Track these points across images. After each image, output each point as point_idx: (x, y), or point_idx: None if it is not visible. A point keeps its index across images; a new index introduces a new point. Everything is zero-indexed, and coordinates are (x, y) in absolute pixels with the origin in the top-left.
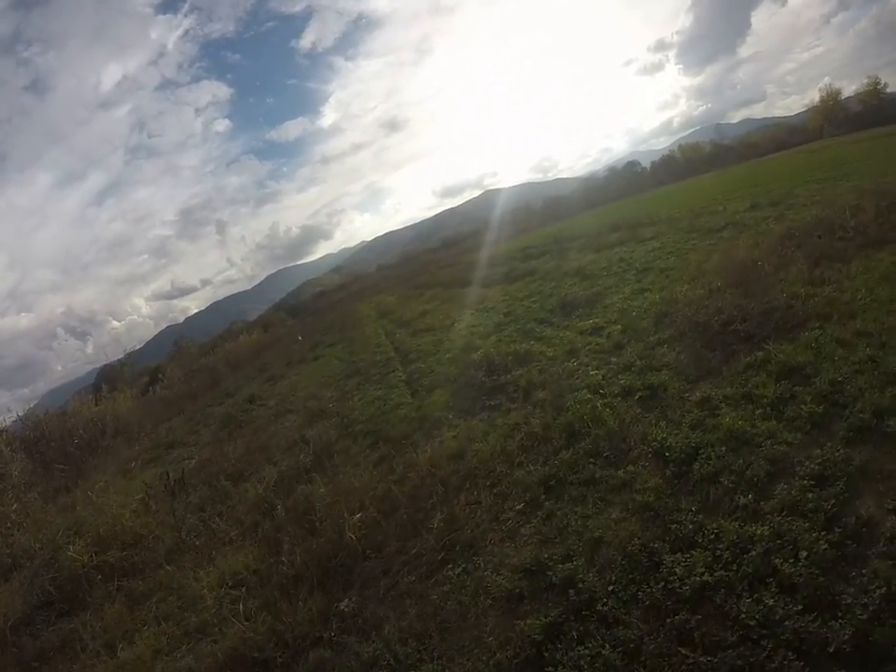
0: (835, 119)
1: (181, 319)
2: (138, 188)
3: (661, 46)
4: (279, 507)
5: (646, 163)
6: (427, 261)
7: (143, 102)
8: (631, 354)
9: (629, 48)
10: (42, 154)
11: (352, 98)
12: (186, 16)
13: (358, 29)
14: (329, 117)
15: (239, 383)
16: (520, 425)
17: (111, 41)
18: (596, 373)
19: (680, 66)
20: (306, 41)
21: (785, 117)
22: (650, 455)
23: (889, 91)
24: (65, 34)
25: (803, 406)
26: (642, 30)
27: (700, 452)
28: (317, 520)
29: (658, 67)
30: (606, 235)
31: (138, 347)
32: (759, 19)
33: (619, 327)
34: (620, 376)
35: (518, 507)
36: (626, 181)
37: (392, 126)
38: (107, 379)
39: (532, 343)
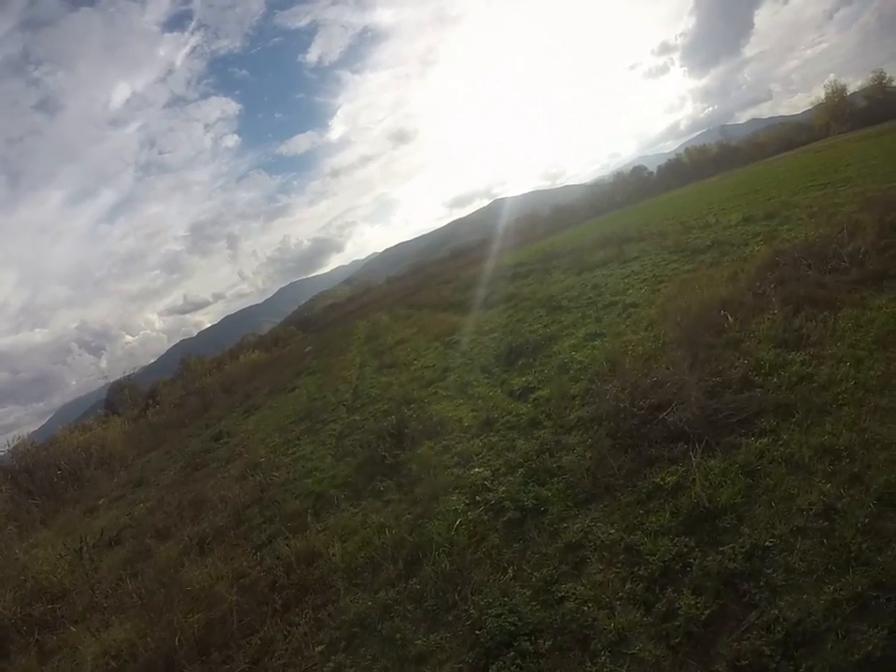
0: (841, 115)
1: (194, 333)
2: (149, 204)
3: (665, 48)
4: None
5: (655, 167)
6: (430, 275)
7: (152, 119)
8: (538, 439)
9: (633, 51)
10: (55, 172)
11: (359, 110)
12: (193, 33)
13: (364, 42)
14: (337, 130)
15: (221, 412)
16: (385, 527)
17: (120, 59)
18: (483, 470)
19: (685, 68)
20: (313, 55)
21: (792, 115)
22: (466, 625)
23: (895, 84)
24: (74, 53)
25: (687, 601)
26: (646, 33)
27: (514, 642)
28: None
29: (663, 70)
30: (593, 252)
31: (152, 362)
32: (761, 18)
33: (548, 391)
34: (508, 477)
35: (319, 648)
36: (633, 186)
37: (400, 137)
38: (112, 399)
39: (458, 403)
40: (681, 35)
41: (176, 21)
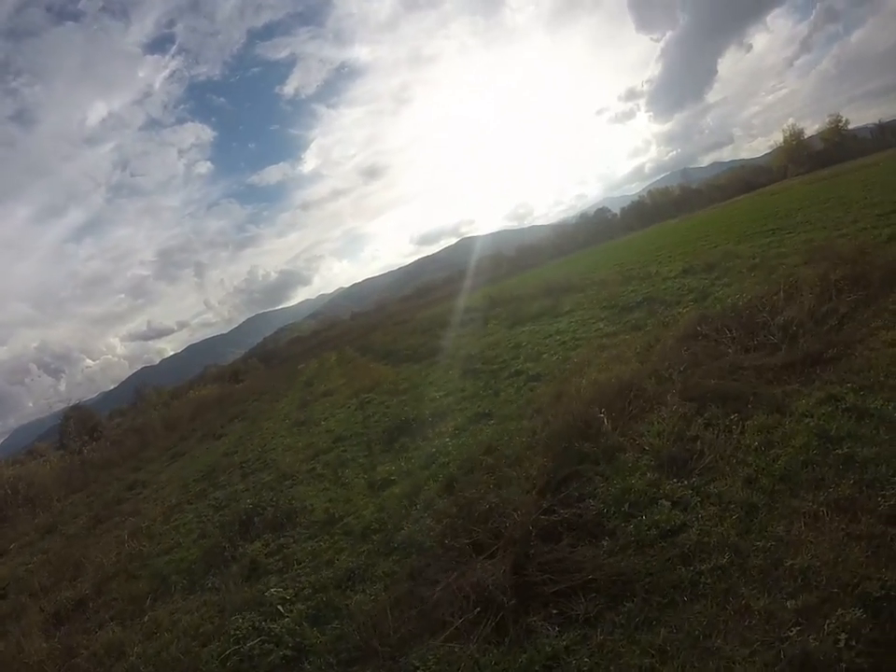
0: (799, 157)
1: (157, 361)
2: (118, 226)
3: (632, 94)
4: None
5: (619, 209)
6: (390, 313)
7: (127, 140)
8: (357, 556)
9: (601, 97)
10: (23, 186)
11: (333, 145)
12: (174, 57)
13: (341, 77)
14: (309, 163)
15: (153, 454)
16: (182, 633)
17: (99, 78)
18: (283, 591)
19: (651, 113)
20: (290, 87)
21: (752, 158)
22: None
23: (850, 127)
24: (54, 67)
25: None
26: (614, 79)
27: None
28: None
29: (629, 115)
30: (533, 302)
31: (112, 388)
32: (725, 65)
33: (397, 490)
34: (302, 605)
35: None
36: (595, 228)
37: (371, 173)
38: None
39: (323, 488)
40: (648, 81)
41: (158, 44)
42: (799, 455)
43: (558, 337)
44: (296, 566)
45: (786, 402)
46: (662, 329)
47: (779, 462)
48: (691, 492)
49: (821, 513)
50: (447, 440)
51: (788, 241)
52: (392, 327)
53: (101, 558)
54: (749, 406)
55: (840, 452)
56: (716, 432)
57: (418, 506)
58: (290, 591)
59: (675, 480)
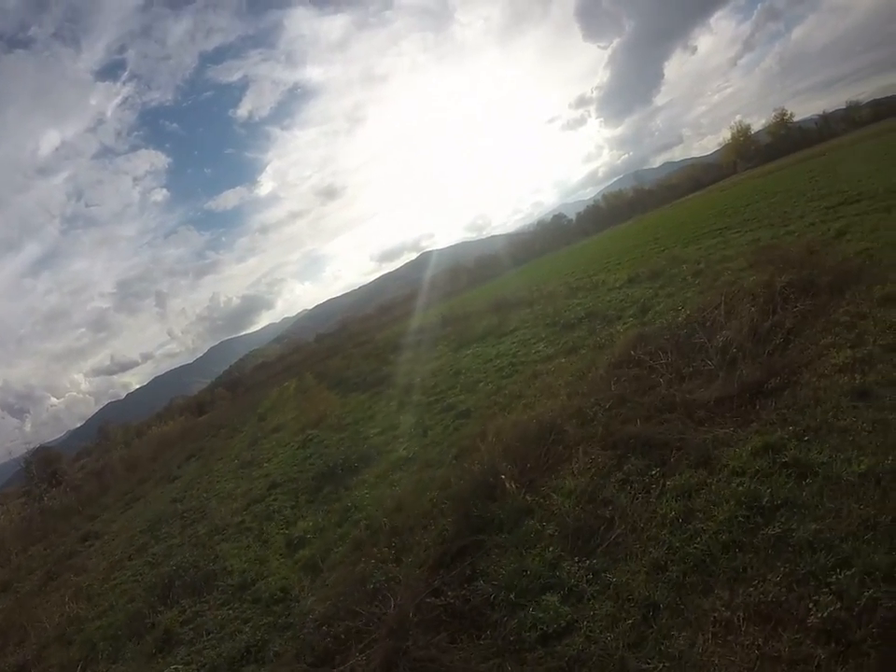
0: (747, 152)
1: (122, 395)
2: (75, 259)
3: (582, 101)
4: None
5: (575, 214)
6: (352, 334)
7: (81, 170)
8: (244, 641)
9: (553, 105)
10: None
11: (288, 167)
12: (125, 84)
13: (294, 98)
14: (266, 186)
15: (111, 499)
16: None
17: (51, 106)
18: None
19: (601, 119)
20: (243, 110)
21: (702, 156)
22: None
23: (796, 119)
24: (5, 95)
25: None
26: (564, 88)
27: None
28: None
29: (581, 122)
30: (481, 319)
31: (79, 426)
32: (671, 68)
33: (308, 553)
34: None
35: None
36: (552, 235)
37: (328, 194)
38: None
39: (246, 545)
40: (597, 88)
41: (110, 70)
42: (721, 534)
43: (498, 361)
44: (205, 636)
45: (716, 453)
46: (597, 353)
47: (697, 543)
48: (590, 577)
49: (735, 622)
50: (365, 491)
51: (734, 241)
52: (352, 349)
53: (44, 621)
54: (674, 458)
55: (771, 531)
56: (632, 494)
57: (323, 572)
58: (192, 667)
59: (576, 559)
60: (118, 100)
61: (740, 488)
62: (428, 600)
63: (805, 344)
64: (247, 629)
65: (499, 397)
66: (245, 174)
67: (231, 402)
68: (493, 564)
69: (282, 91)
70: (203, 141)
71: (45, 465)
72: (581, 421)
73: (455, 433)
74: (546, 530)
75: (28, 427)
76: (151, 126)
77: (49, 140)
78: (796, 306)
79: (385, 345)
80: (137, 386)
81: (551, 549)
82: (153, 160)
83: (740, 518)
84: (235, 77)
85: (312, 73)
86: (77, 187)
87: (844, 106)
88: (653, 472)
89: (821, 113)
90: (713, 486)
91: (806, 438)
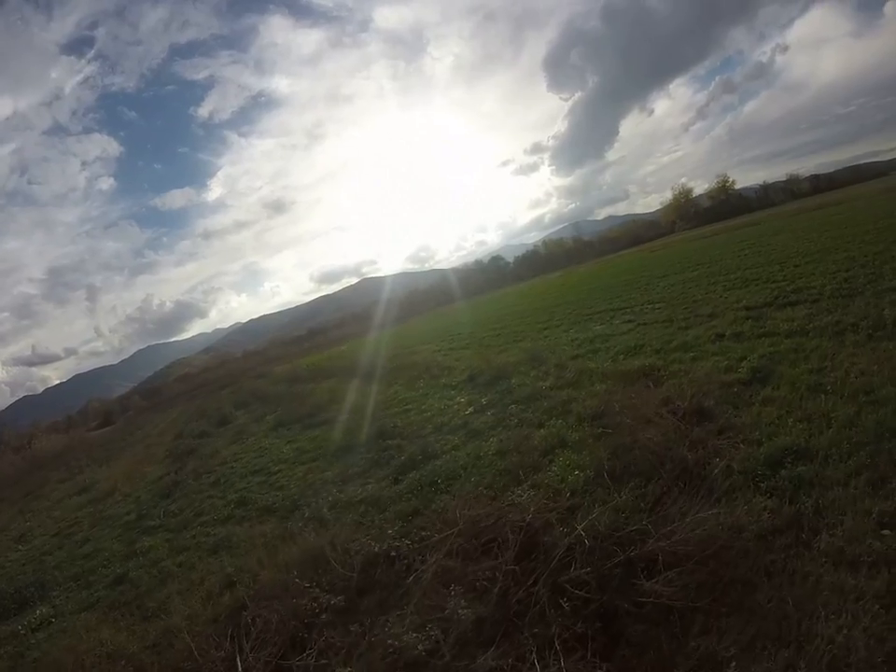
0: (686, 214)
1: (39, 390)
2: (7, 237)
3: (537, 149)
4: None
5: (516, 256)
6: (265, 359)
7: (29, 144)
8: None
9: (508, 149)
10: None
11: (240, 175)
12: (90, 62)
13: (257, 106)
14: (215, 191)
15: None
16: None
17: (10, 72)
18: None
19: (553, 167)
20: (204, 111)
21: (644, 213)
22: None
23: (737, 187)
24: None
25: None
26: (521, 133)
27: None
28: None
29: (533, 168)
30: (341, 384)
31: None
32: (627, 126)
33: None
34: None
35: None
36: (486, 277)
37: (276, 207)
38: None
39: None
40: (553, 137)
41: (76, 45)
42: None
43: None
44: None
45: None
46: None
47: None
48: None
49: None
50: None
51: (615, 344)
52: (254, 378)
53: None
54: None
55: None
56: None
57: None
58: None
59: None
60: (79, 77)
61: None
62: None
63: None
64: None
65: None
66: (196, 175)
67: (134, 416)
68: None
69: (246, 96)
70: (158, 135)
71: None
72: None
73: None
74: None
75: None
76: (109, 111)
77: (3, 107)
78: None
79: (267, 385)
80: (57, 382)
81: None
82: (105, 146)
83: None
84: (201, 74)
85: (279, 83)
86: (23, 161)
87: (784, 178)
88: None
89: (762, 183)
90: None
91: None
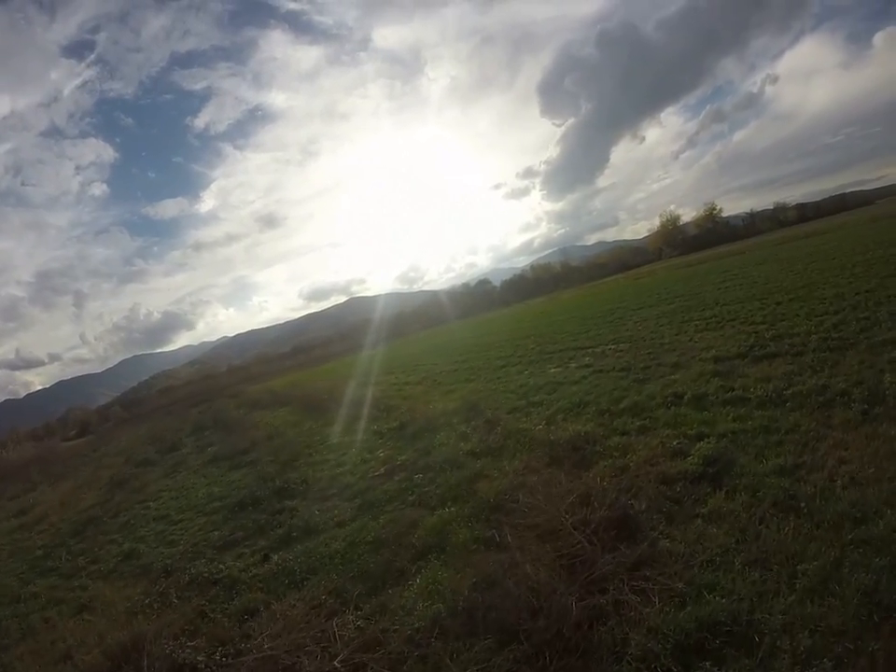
0: (673, 241)
1: (22, 395)
2: None
3: (529, 173)
4: None
5: (501, 281)
6: (245, 377)
7: (25, 144)
8: None
9: (501, 172)
10: None
11: (234, 187)
12: (89, 66)
13: (253, 119)
14: (207, 202)
15: None
16: None
17: (11, 70)
18: None
19: (545, 192)
20: (201, 121)
21: (632, 240)
22: None
23: (724, 215)
24: None
25: None
26: (514, 157)
27: None
28: None
29: (525, 192)
30: (280, 421)
31: None
32: (618, 153)
33: None
34: None
35: None
36: (473, 300)
37: (268, 222)
38: None
39: None
40: (545, 162)
41: (77, 49)
42: None
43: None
44: None
45: None
46: None
47: None
48: None
49: None
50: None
51: (561, 396)
52: (223, 399)
53: None
54: None
55: None
56: None
57: None
58: None
59: None
60: (78, 81)
61: None
62: None
63: None
64: None
65: None
66: (190, 186)
67: (112, 428)
68: None
69: (242, 109)
70: (154, 143)
71: None
72: None
73: None
74: None
75: None
76: (106, 116)
77: (1, 106)
78: None
79: (235, 407)
80: (39, 387)
81: None
82: (100, 151)
83: None
84: (200, 85)
85: (276, 98)
86: (18, 161)
87: (771, 207)
88: None
89: (749, 211)
90: None
91: None
